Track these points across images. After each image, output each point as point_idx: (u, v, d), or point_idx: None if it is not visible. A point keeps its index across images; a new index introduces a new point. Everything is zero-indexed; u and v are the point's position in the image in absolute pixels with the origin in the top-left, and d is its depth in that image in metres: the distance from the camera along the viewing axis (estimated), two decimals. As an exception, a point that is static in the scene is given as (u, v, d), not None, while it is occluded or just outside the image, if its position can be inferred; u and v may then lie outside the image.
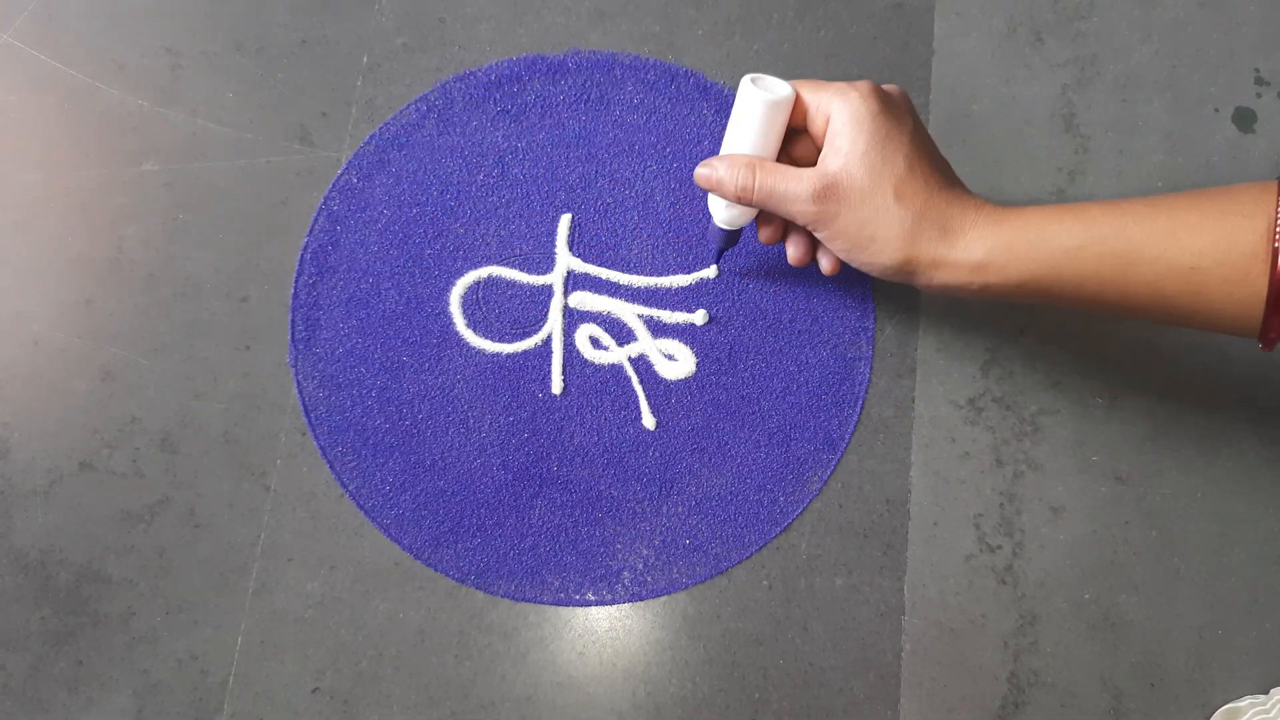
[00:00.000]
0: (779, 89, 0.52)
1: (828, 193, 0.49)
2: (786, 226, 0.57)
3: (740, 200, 0.53)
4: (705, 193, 0.65)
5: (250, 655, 0.61)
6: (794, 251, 0.57)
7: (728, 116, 0.67)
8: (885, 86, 0.52)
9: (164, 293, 0.65)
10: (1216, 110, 0.68)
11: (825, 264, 0.57)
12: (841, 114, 0.49)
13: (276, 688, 0.60)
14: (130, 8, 0.69)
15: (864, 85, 0.50)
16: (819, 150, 0.52)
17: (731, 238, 0.59)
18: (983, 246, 0.48)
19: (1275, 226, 0.43)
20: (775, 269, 0.65)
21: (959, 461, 0.63)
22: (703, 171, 0.54)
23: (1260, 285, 0.43)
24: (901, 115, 0.50)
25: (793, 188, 0.50)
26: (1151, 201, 0.47)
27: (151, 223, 0.66)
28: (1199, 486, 0.62)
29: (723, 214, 0.57)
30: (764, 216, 0.57)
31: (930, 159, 0.50)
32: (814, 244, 0.57)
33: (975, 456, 0.63)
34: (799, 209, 0.51)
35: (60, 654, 0.61)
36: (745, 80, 0.51)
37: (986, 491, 0.62)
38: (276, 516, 0.62)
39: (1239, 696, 0.59)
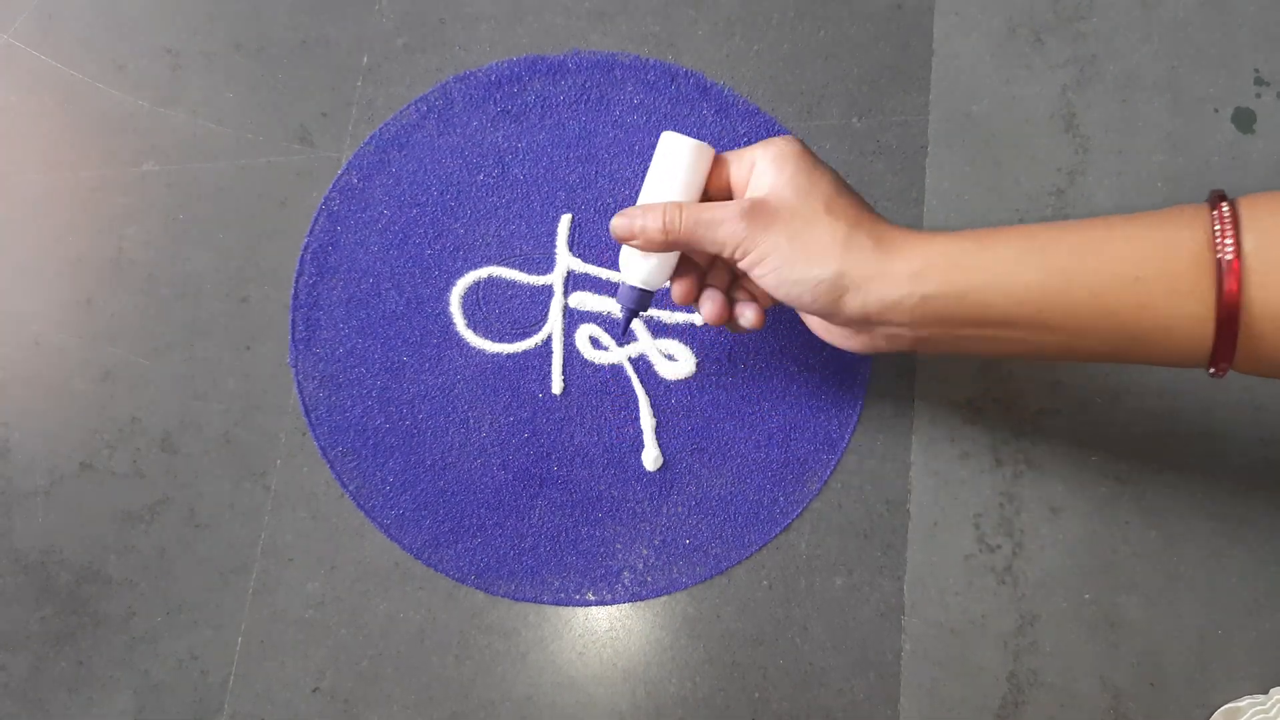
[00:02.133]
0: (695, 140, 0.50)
1: (756, 209, 0.47)
2: (700, 285, 0.54)
3: (665, 238, 0.49)
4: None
5: (250, 655, 0.61)
6: (710, 309, 0.53)
7: (728, 117, 0.67)
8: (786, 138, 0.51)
9: (164, 293, 0.65)
10: (1216, 110, 0.68)
11: (749, 316, 0.53)
12: (765, 156, 0.48)
13: (277, 688, 0.60)
14: (130, 8, 0.69)
15: (782, 139, 0.49)
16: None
17: (644, 300, 0.54)
18: (920, 256, 0.45)
19: (1213, 236, 0.41)
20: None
21: (959, 461, 0.63)
22: (620, 222, 0.51)
23: (1207, 299, 0.41)
24: (820, 162, 0.49)
25: (719, 213, 0.48)
26: (1089, 219, 0.45)
27: (151, 223, 0.66)
28: (1199, 486, 0.62)
29: (638, 272, 0.52)
30: (680, 271, 0.53)
31: (853, 192, 0.49)
32: (730, 301, 0.54)
33: (975, 456, 0.63)
34: (727, 231, 0.47)
35: (61, 654, 0.61)
36: (666, 132, 0.50)
37: (986, 491, 0.62)
38: (277, 516, 0.62)
39: (1239, 696, 0.59)
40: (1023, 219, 0.66)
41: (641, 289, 0.53)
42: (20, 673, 0.60)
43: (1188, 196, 0.66)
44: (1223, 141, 0.67)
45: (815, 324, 0.51)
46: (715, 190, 0.51)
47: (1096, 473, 0.62)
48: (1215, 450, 0.63)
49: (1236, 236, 0.40)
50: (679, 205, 0.49)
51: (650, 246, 0.50)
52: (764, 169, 0.48)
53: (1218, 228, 0.41)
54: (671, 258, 0.52)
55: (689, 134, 0.66)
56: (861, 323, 0.47)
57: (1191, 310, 0.41)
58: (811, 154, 0.49)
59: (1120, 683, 0.60)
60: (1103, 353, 0.45)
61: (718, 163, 0.51)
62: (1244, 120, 0.68)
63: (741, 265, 0.49)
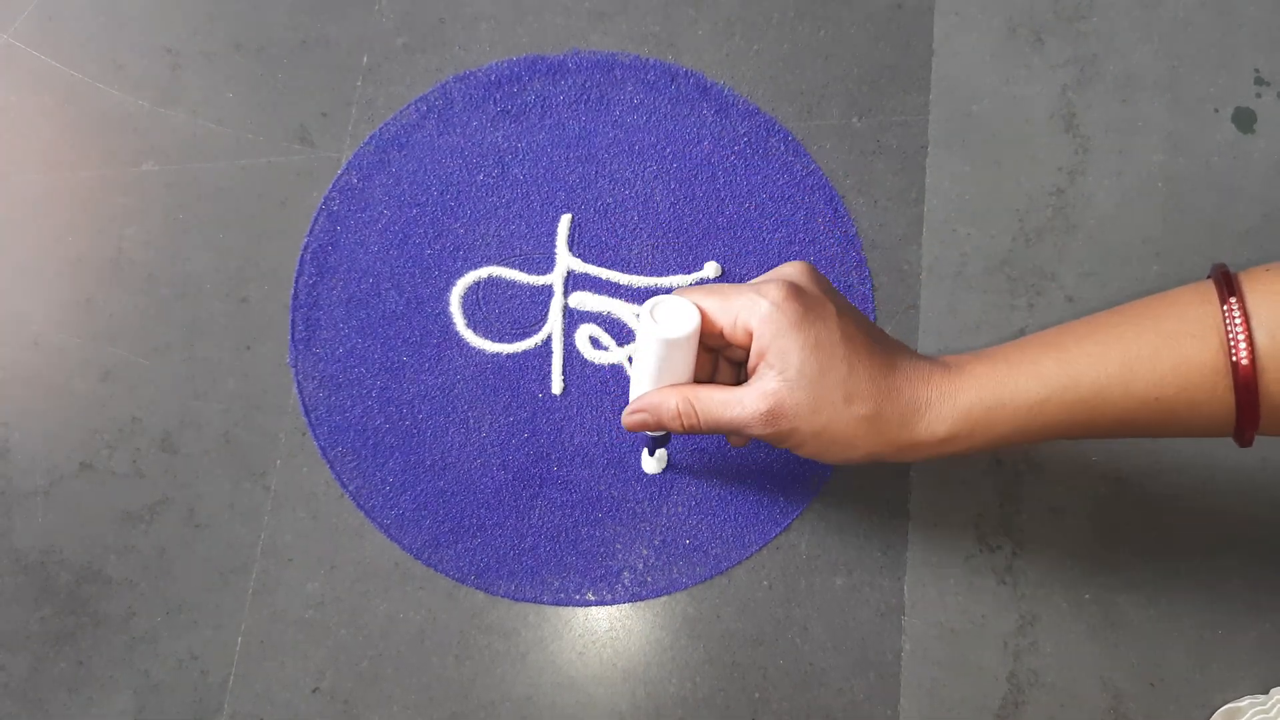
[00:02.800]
0: (680, 322, 0.47)
1: (774, 416, 0.46)
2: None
3: (685, 432, 0.50)
4: (706, 192, 0.66)
5: (250, 655, 0.61)
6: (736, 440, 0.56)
7: (727, 117, 0.67)
8: (788, 273, 0.49)
9: (164, 293, 0.65)
10: (1216, 110, 0.68)
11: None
12: (762, 330, 0.46)
13: (276, 688, 0.60)
14: (130, 8, 0.69)
15: (773, 289, 0.46)
16: (741, 347, 0.49)
17: (663, 439, 0.59)
18: (944, 424, 0.46)
19: (1227, 341, 0.42)
20: (771, 268, 0.65)
21: (958, 461, 0.63)
22: (635, 419, 0.51)
23: (1227, 399, 0.43)
24: (822, 307, 0.47)
25: (737, 415, 0.47)
26: (1098, 335, 0.45)
27: (151, 223, 0.66)
28: (1198, 486, 0.62)
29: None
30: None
31: (865, 346, 0.47)
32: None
33: (975, 457, 0.63)
34: (752, 431, 0.47)
35: (60, 654, 0.61)
36: (644, 313, 0.47)
37: (987, 492, 0.62)
38: (276, 517, 0.62)
39: (1239, 696, 0.59)
40: (1023, 220, 0.66)
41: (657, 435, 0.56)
42: (20, 673, 0.60)
43: (1188, 196, 0.66)
44: (1223, 141, 0.67)
45: None
46: (709, 345, 0.50)
47: (1096, 473, 0.62)
48: (1213, 450, 0.63)
49: (1249, 333, 0.41)
50: (688, 401, 0.49)
51: (675, 432, 0.51)
52: (765, 346, 0.46)
53: (1229, 329, 0.42)
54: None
55: (695, 130, 0.67)
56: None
57: (1212, 412, 0.43)
58: (809, 309, 0.46)
59: (1120, 683, 0.60)
60: (1130, 436, 0.48)
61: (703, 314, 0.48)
62: (1244, 120, 0.68)
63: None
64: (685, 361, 0.49)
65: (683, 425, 0.49)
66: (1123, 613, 0.61)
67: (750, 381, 0.47)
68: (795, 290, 0.46)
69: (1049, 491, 0.62)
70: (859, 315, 0.49)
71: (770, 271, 0.50)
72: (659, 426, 0.50)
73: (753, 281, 0.48)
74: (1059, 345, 0.46)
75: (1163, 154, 0.67)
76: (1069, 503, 0.62)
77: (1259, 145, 0.67)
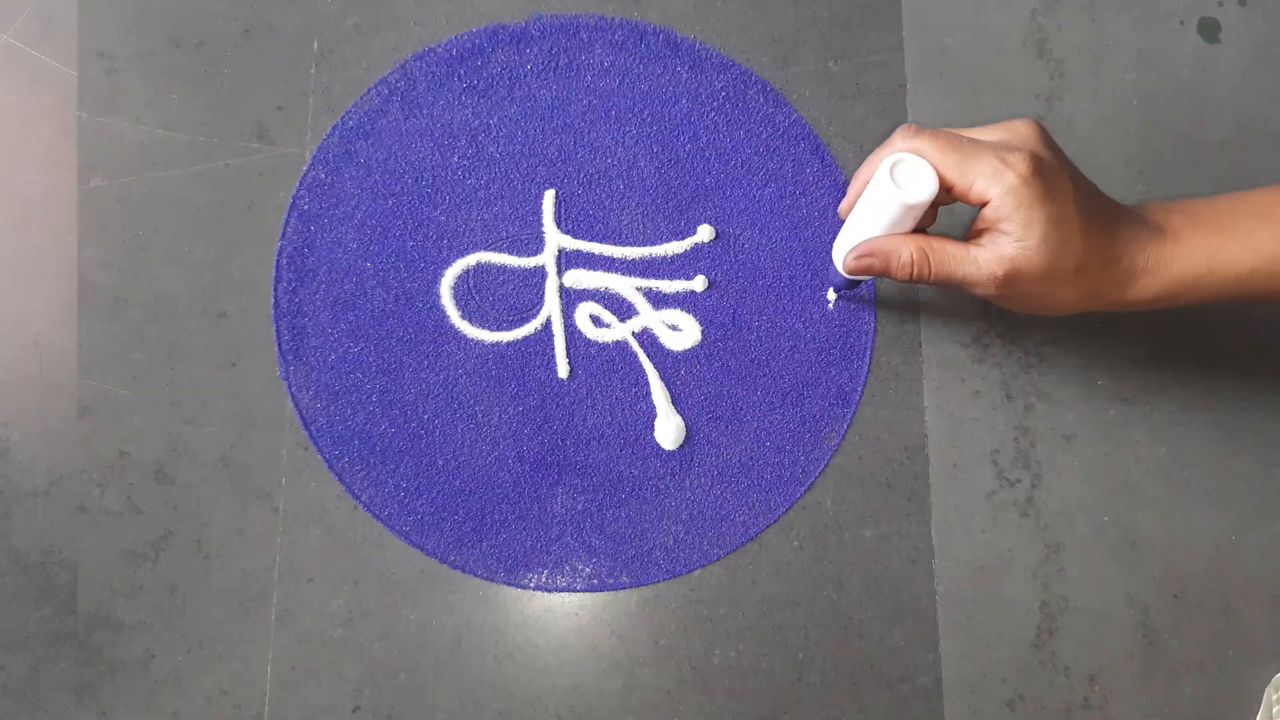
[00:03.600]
0: (919, 186, 0.49)
1: (1009, 280, 0.48)
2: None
3: (911, 281, 0.51)
4: (690, 153, 0.64)
5: (283, 683, 0.59)
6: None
7: (702, 73, 0.65)
8: (1026, 136, 0.49)
9: (134, 316, 0.61)
10: (1182, 23, 0.68)
11: None
12: (1004, 202, 0.47)
13: (316, 712, 0.58)
14: (53, 10, 0.63)
15: (1019, 161, 0.47)
16: (968, 203, 0.50)
17: (853, 283, 0.59)
18: (1155, 288, 0.50)
19: None
20: (766, 226, 0.64)
21: (971, 400, 0.63)
22: (862, 263, 0.52)
23: None
24: (1061, 181, 0.48)
25: (971, 273, 0.49)
26: None
27: (108, 242, 0.62)
28: (1200, 398, 0.64)
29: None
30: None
31: (1096, 217, 0.49)
32: None
33: (986, 394, 0.63)
34: (980, 290, 0.50)
35: (81, 706, 0.58)
36: (883, 171, 0.49)
37: (1000, 427, 0.63)
38: (289, 537, 0.60)
39: (1255, 600, 0.61)
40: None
41: (851, 278, 0.56)
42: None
43: (1163, 113, 0.66)
44: (1190, 54, 0.68)
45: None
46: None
47: (1103, 397, 0.63)
48: (1212, 362, 0.64)
49: None
50: (925, 253, 0.50)
51: (898, 280, 0.52)
52: (1007, 215, 0.47)
53: None
54: None
55: (670, 90, 0.64)
56: None
57: None
58: (1052, 182, 0.47)
59: (1146, 598, 0.61)
60: None
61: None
62: (1209, 30, 0.68)
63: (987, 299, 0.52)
64: (915, 219, 0.51)
65: (913, 274, 0.51)
66: (1141, 530, 0.62)
67: (984, 242, 0.49)
68: (1038, 163, 0.47)
69: (1060, 420, 0.63)
70: (1085, 181, 0.51)
71: (1003, 127, 0.50)
72: (884, 272, 0.52)
73: (989, 141, 0.49)
74: (1275, 218, 0.49)
75: (1135, 71, 0.67)
76: (1080, 429, 0.63)
77: (1225, 54, 0.68)
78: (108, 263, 0.61)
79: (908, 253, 0.50)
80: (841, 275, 0.56)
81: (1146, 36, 0.68)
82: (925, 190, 0.49)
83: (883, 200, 0.50)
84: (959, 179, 0.48)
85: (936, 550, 0.62)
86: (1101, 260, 0.49)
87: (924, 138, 0.49)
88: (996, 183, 0.47)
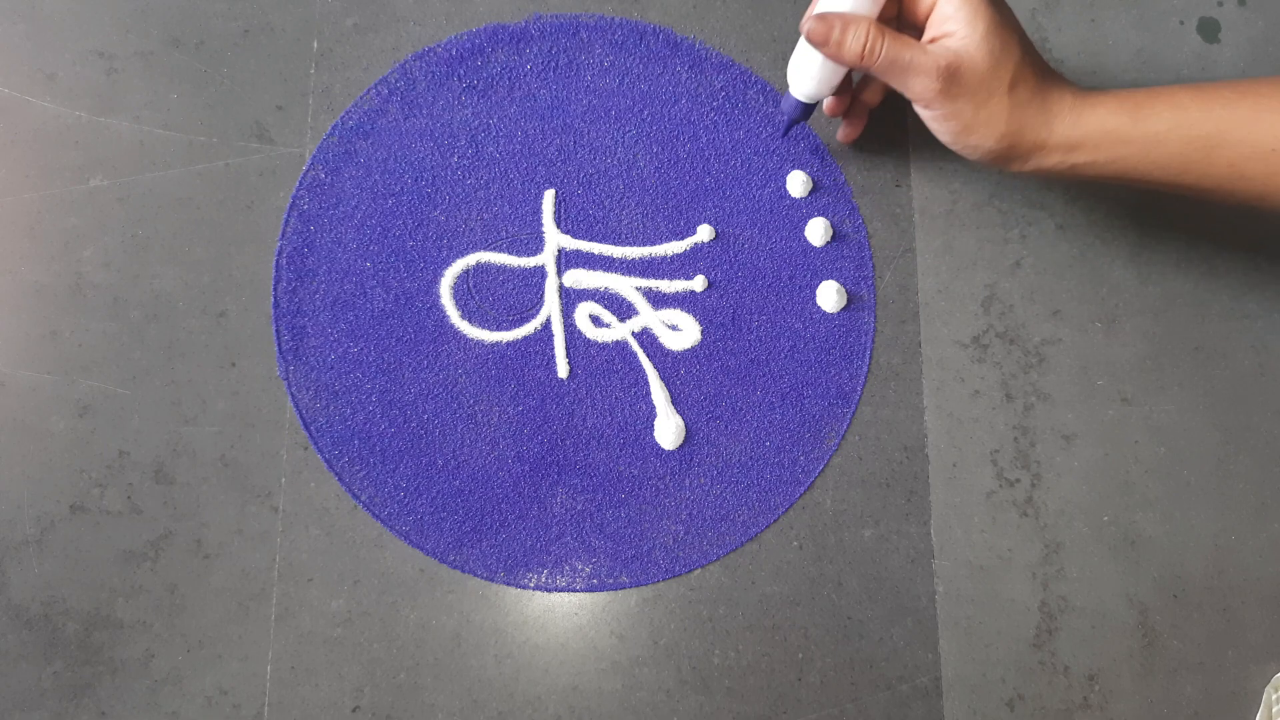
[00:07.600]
0: None
1: (952, 73, 0.50)
2: (851, 101, 0.61)
3: (858, 61, 0.52)
4: (690, 153, 0.64)
5: (283, 683, 0.59)
6: (848, 130, 0.62)
7: (702, 73, 0.65)
8: None
9: (134, 316, 0.61)
10: (1182, 23, 0.68)
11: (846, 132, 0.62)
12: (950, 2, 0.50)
13: (315, 712, 0.58)
14: (52, 10, 0.63)
15: None
16: (916, 24, 0.53)
17: (806, 112, 0.59)
18: (1078, 130, 0.51)
19: None
20: (766, 226, 0.64)
21: (970, 400, 0.63)
22: (818, 27, 0.52)
23: None
24: (1005, 7, 0.51)
25: (919, 60, 0.50)
26: (1236, 86, 0.50)
27: (109, 242, 0.62)
28: (1199, 399, 0.64)
29: (806, 86, 0.56)
30: (840, 88, 0.58)
31: (1034, 51, 0.52)
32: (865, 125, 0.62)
33: (985, 394, 0.63)
34: (921, 85, 0.51)
35: (80, 708, 0.58)
36: None
37: (1000, 427, 0.63)
38: (289, 537, 0.60)
39: (1255, 600, 0.61)
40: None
41: (805, 102, 0.57)
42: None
43: (1163, 112, 0.66)
44: (1190, 54, 0.68)
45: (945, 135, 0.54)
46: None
47: (1103, 396, 0.63)
48: (1211, 361, 0.64)
49: None
50: (882, 33, 0.51)
51: (837, 60, 0.53)
52: (953, 13, 0.50)
53: None
54: (839, 74, 0.55)
55: (670, 89, 0.65)
56: (1014, 172, 0.54)
57: None
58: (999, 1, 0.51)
59: (1145, 598, 0.61)
60: (1228, 203, 0.52)
61: None
62: (1209, 30, 0.68)
63: (919, 112, 0.53)
64: (876, 6, 0.52)
65: (863, 54, 0.51)
66: (1140, 530, 0.62)
67: (933, 40, 0.51)
68: None
69: (1059, 419, 0.63)
70: (1027, 36, 0.53)
71: None
72: (838, 43, 0.52)
73: None
74: (1199, 85, 0.51)
75: (1135, 71, 0.67)
76: (1080, 429, 0.63)
77: (1224, 54, 0.68)
78: (108, 262, 0.61)
79: (864, 27, 0.51)
80: (795, 99, 0.57)
81: (1146, 36, 0.68)
82: None
83: None
84: None
85: (936, 550, 0.62)
86: (1032, 89, 0.51)
87: None
88: None
